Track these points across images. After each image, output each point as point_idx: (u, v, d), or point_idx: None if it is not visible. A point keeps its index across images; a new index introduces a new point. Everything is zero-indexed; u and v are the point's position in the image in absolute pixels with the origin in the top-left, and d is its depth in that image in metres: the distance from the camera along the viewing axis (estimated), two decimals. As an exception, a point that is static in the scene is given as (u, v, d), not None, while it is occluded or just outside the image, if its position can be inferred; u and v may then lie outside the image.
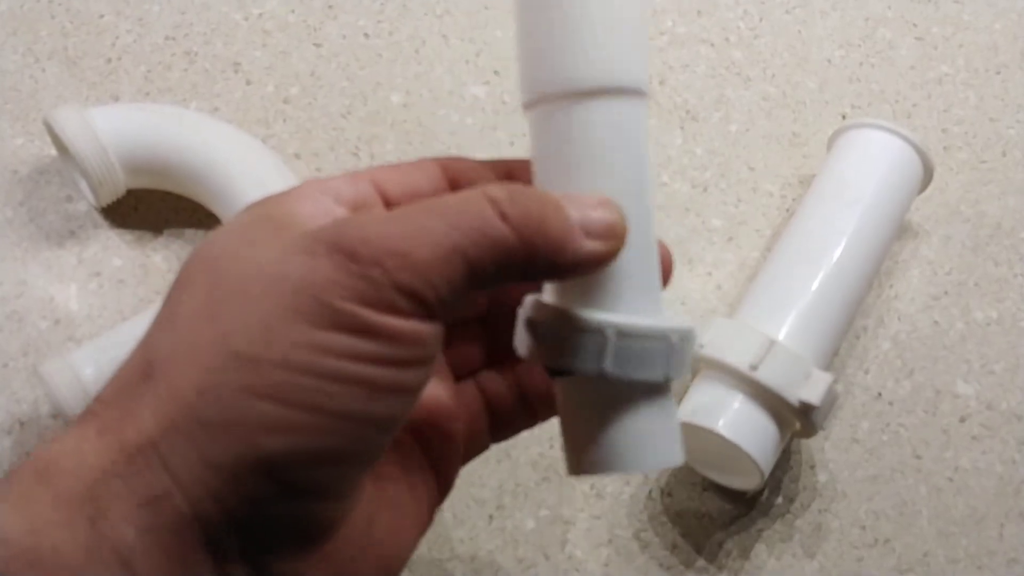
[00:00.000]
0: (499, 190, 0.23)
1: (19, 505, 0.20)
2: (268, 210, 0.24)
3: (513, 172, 0.28)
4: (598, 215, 0.24)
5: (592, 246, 0.24)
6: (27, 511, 0.20)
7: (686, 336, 0.26)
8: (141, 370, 0.22)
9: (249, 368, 0.21)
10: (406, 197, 0.26)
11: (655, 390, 0.26)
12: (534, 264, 0.23)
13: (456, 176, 0.27)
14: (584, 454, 0.26)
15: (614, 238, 0.24)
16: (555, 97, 0.25)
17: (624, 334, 0.25)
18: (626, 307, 0.26)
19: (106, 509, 0.20)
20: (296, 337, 0.21)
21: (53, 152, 0.52)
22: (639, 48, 0.26)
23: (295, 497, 0.22)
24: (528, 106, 0.26)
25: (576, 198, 0.24)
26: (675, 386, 0.28)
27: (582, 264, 0.24)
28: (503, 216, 0.23)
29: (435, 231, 0.22)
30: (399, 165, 0.27)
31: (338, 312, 0.21)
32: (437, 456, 0.28)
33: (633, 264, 0.26)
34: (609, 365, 0.25)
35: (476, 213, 0.22)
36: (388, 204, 0.26)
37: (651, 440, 0.26)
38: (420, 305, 0.22)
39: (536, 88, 0.26)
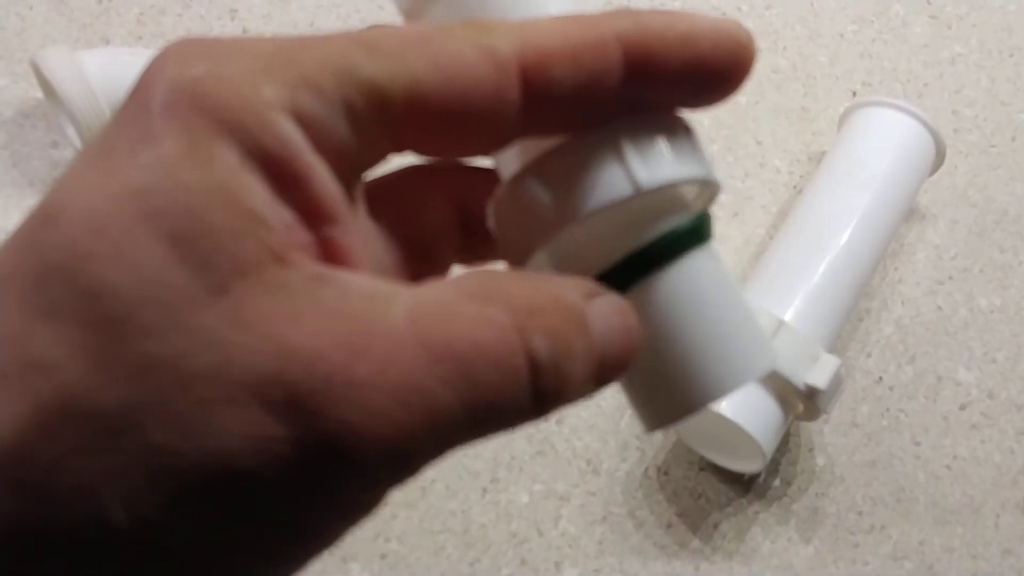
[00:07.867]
0: (545, 351, 0.16)
1: None
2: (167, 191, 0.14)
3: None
4: (618, 354, 0.18)
5: (591, 390, 0.18)
6: None
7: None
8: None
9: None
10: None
11: (716, 276, 0.20)
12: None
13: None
14: (663, 392, 0.20)
15: (611, 381, 0.18)
16: None
17: (635, 129, 0.19)
18: None
19: None
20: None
21: (39, 95, 0.49)
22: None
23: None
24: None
25: (604, 314, 0.17)
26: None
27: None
28: (537, 397, 0.16)
29: (445, 409, 0.15)
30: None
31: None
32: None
33: None
34: (640, 171, 0.18)
35: (509, 389, 0.16)
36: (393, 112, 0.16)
37: (741, 341, 0.19)
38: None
39: None
